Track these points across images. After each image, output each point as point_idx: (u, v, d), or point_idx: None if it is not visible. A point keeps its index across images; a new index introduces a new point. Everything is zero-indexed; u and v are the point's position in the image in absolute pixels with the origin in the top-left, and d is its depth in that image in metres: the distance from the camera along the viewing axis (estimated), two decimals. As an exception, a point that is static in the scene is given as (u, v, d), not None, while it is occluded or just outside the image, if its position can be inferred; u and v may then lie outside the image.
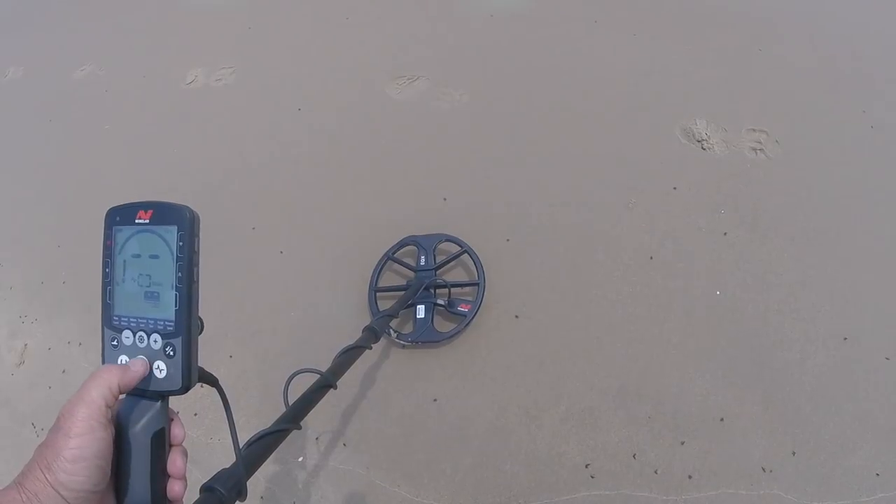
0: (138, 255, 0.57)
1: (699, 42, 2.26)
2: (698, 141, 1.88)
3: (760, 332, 1.60)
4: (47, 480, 0.47)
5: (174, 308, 0.55)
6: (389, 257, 1.70)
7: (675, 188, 1.83)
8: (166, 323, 0.56)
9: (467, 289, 1.67)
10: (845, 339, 1.59)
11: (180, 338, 0.55)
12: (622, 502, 1.44)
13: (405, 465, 1.55)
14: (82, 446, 0.49)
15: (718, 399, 1.53)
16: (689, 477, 1.45)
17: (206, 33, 3.03)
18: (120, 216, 0.58)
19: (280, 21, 2.86)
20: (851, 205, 1.80)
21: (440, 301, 1.59)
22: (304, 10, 2.86)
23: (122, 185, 2.39)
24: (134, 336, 0.57)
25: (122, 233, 0.58)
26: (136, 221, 0.56)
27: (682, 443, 1.50)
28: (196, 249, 0.56)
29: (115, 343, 0.58)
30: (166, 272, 0.55)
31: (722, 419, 1.51)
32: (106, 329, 0.59)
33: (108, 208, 0.59)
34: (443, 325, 1.67)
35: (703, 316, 1.63)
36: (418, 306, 1.59)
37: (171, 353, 0.56)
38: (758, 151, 1.86)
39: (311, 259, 1.94)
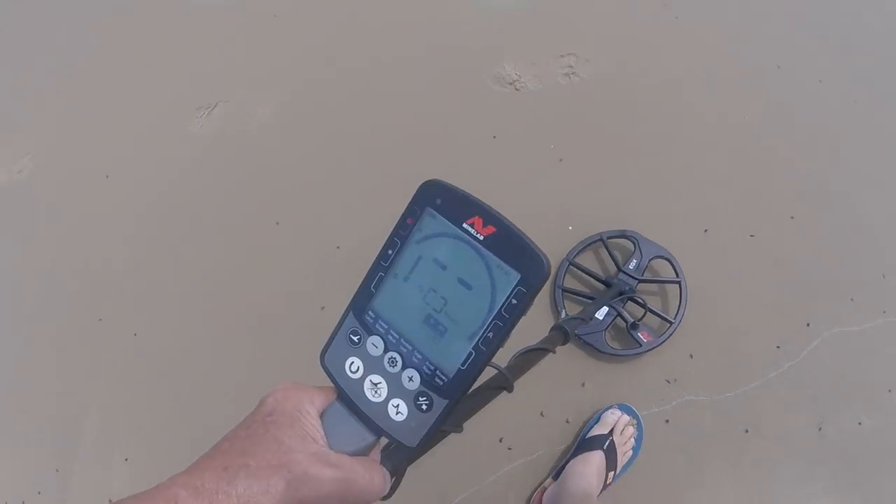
0: (444, 267, 0.41)
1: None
2: (510, 83, 1.82)
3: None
4: None
5: (459, 365, 0.41)
6: (602, 239, 1.51)
7: (495, 137, 1.77)
8: (440, 373, 0.41)
9: (658, 321, 1.48)
10: (706, 231, 1.56)
11: (447, 401, 0.41)
12: (545, 462, 1.38)
13: None
14: None
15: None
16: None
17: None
18: (444, 201, 0.42)
19: (58, 88, 2.54)
20: (671, 102, 1.81)
21: (626, 315, 1.40)
22: (75, 71, 2.56)
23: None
24: (385, 353, 0.43)
25: (436, 223, 0.42)
26: (465, 227, 0.40)
27: (583, 384, 1.43)
28: (525, 311, 0.40)
29: (356, 339, 0.45)
30: (473, 316, 0.40)
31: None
32: (352, 316, 0.45)
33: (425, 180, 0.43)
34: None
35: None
36: (602, 308, 1.41)
37: (425, 408, 0.42)
38: (571, 76, 1.83)
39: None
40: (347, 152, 1.87)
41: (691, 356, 1.44)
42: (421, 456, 0.63)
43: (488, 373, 0.92)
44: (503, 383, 0.87)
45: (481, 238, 0.40)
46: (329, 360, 0.47)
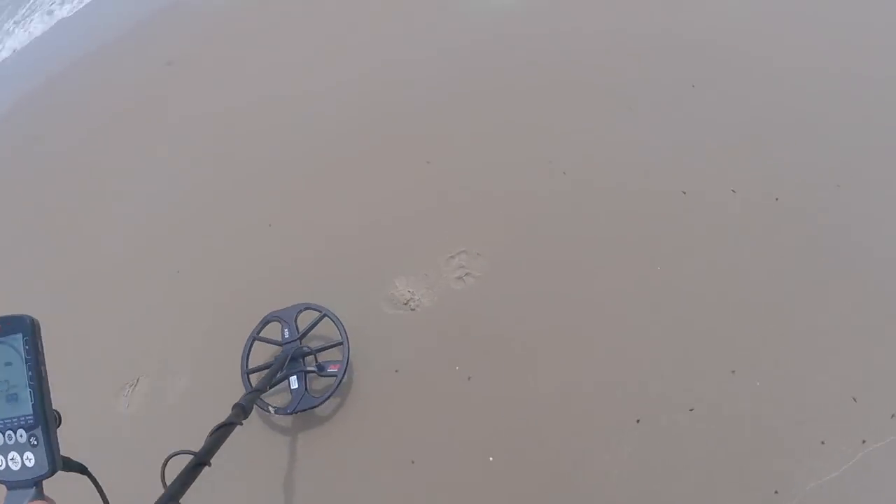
0: None
1: (360, 197, 2.14)
2: (405, 303, 1.76)
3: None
4: None
5: (31, 403, 0.64)
6: (255, 338, 1.71)
7: (397, 371, 1.67)
8: (26, 417, 0.65)
9: (335, 350, 1.68)
10: (638, 420, 1.47)
11: (40, 427, 0.65)
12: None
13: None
14: None
15: None
16: None
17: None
18: None
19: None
20: (571, 277, 1.73)
21: (310, 368, 1.60)
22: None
23: None
24: (3, 436, 0.65)
25: None
26: None
27: None
28: (41, 350, 0.65)
29: None
30: (20, 375, 0.64)
31: None
32: None
33: None
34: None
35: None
36: (291, 378, 1.59)
37: (35, 443, 0.65)
38: (464, 278, 1.77)
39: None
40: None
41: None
42: None
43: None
44: (200, 461, 1.07)
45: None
46: None
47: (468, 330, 1.69)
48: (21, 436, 0.65)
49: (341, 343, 1.63)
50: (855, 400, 1.46)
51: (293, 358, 1.60)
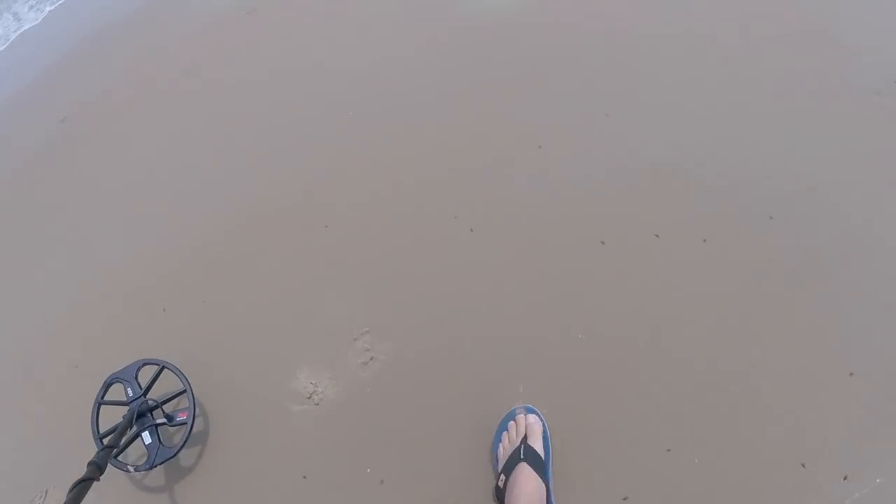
0: None
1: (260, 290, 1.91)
2: (308, 397, 1.58)
3: None
4: None
5: None
6: (100, 403, 1.68)
7: (305, 477, 1.48)
8: None
9: (182, 399, 1.68)
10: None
11: None
12: None
13: None
14: None
15: None
16: None
17: None
18: None
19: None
20: (482, 358, 1.56)
21: (160, 420, 1.60)
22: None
23: None
24: None
25: None
26: None
27: None
28: None
29: None
30: None
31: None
32: None
33: None
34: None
35: None
36: (143, 434, 1.58)
37: None
38: (370, 362, 1.59)
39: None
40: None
41: None
42: None
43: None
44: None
45: None
46: None
47: (377, 423, 1.51)
48: None
49: (185, 391, 1.63)
50: (804, 466, 1.33)
51: (141, 414, 1.59)
